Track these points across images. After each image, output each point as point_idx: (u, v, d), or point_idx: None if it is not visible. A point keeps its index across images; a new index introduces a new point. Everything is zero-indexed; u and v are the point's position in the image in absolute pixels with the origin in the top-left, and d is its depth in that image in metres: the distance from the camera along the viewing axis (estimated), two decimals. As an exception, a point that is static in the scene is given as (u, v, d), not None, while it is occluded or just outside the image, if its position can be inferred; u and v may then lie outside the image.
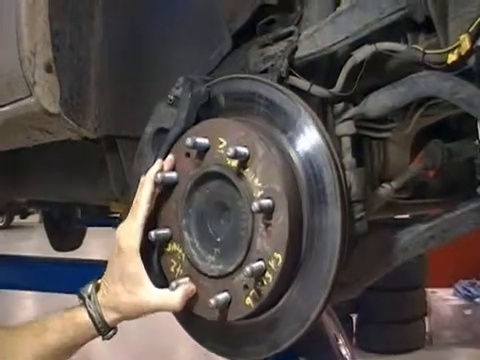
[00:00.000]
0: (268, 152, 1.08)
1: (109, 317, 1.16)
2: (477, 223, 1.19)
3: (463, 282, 5.58)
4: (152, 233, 1.17)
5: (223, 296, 1.12)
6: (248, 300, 1.11)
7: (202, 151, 1.15)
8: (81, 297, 1.19)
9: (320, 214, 1.08)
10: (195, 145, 1.13)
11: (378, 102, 1.17)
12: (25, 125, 1.43)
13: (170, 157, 1.20)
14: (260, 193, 1.08)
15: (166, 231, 1.20)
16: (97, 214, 4.06)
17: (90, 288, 1.19)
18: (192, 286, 1.16)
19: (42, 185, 2.25)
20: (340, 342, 2.82)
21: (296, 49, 1.22)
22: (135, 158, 1.29)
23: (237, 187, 1.11)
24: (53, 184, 2.19)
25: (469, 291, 5.46)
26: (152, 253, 1.22)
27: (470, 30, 1.04)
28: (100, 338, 1.18)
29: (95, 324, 1.16)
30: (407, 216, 1.79)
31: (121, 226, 1.19)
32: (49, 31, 1.28)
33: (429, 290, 5.47)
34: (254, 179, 1.09)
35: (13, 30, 1.29)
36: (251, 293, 1.10)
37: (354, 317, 5.34)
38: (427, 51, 1.10)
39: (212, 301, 1.10)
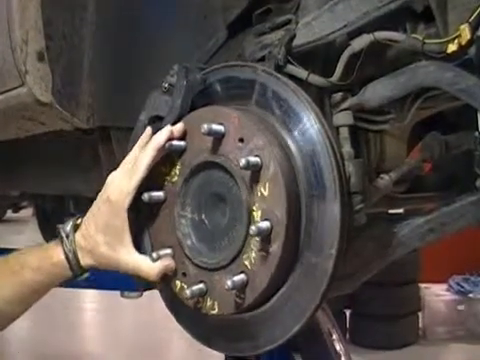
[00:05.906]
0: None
1: (84, 260, 1.15)
2: (476, 217, 1.18)
3: (457, 277, 5.58)
4: (146, 195, 1.15)
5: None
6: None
7: (218, 138, 1.11)
8: (59, 234, 1.17)
9: (319, 205, 1.05)
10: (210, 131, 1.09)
11: (377, 92, 1.15)
12: (17, 115, 1.41)
13: (181, 127, 1.15)
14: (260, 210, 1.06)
15: (160, 194, 1.17)
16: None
17: (69, 226, 1.18)
18: (173, 263, 1.14)
19: (35, 177, 2.22)
20: (334, 337, 2.81)
21: (294, 37, 1.20)
22: (129, 147, 1.26)
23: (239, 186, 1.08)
24: (46, 176, 2.17)
25: (462, 286, 5.47)
26: (140, 214, 1.19)
27: (470, 20, 1.02)
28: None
29: (70, 265, 1.15)
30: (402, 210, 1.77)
31: (114, 177, 1.16)
32: (41, 19, 1.26)
33: (423, 285, 5.47)
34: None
35: (4, 18, 1.27)
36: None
37: (347, 312, 5.34)
38: (427, 40, 1.08)
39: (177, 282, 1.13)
